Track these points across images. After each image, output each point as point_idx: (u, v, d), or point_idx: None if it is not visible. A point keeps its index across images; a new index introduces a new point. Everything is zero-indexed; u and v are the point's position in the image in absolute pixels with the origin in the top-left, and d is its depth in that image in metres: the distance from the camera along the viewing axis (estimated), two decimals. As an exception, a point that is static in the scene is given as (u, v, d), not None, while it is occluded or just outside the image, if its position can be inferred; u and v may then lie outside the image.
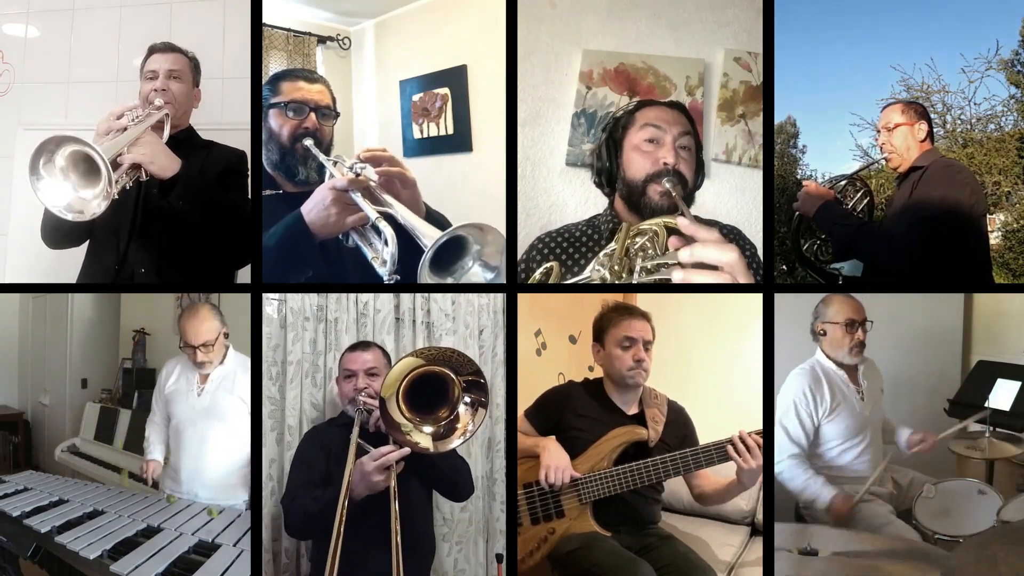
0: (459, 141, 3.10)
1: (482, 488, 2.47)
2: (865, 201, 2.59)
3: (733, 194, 2.72)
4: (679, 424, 2.24)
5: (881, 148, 2.47)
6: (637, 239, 1.74)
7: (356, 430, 1.88)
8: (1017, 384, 2.52)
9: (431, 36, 3.18)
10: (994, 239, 3.19)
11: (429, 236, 1.65)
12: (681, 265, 1.51)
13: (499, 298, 2.51)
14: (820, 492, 2.21)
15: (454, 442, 1.78)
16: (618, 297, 2.34)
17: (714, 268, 1.47)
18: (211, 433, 2.38)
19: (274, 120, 2.07)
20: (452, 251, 1.68)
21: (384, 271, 1.77)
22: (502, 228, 2.01)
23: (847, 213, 2.51)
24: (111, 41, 2.78)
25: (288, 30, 3.25)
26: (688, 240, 1.53)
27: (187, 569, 1.77)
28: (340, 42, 3.48)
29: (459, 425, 1.78)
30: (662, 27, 2.73)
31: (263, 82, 2.14)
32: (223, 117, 2.51)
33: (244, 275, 2.29)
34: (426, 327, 2.48)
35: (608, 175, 1.99)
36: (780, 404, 2.29)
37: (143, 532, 1.99)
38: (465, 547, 2.46)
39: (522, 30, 2.29)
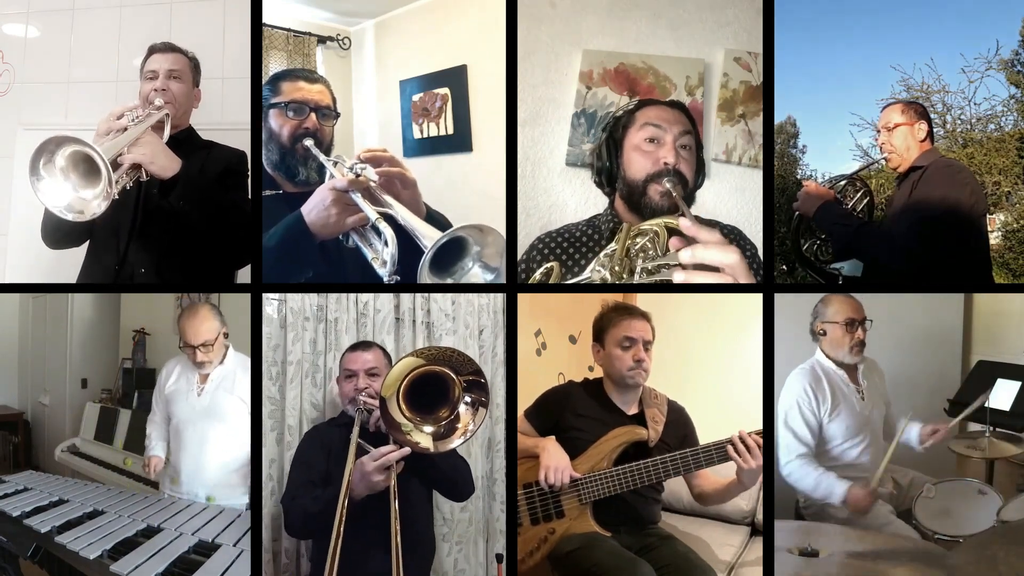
0: (459, 141, 3.10)
1: (482, 488, 2.47)
2: (865, 201, 2.59)
3: (733, 194, 2.72)
4: (679, 424, 2.24)
5: (881, 148, 2.47)
6: (638, 239, 1.74)
7: (356, 430, 1.88)
8: (1017, 384, 2.52)
9: (431, 36, 3.18)
10: (994, 239, 3.19)
11: (429, 237, 1.65)
12: (683, 266, 1.50)
13: (499, 298, 2.51)
14: (833, 487, 2.18)
15: (454, 442, 1.78)
16: (618, 297, 2.34)
17: (716, 270, 1.47)
18: (211, 433, 2.39)
19: (274, 120, 2.07)
20: (452, 252, 1.68)
21: (384, 272, 1.77)
22: (502, 228, 2.01)
23: (847, 213, 2.51)
24: (111, 41, 2.78)
25: (288, 30, 3.25)
26: (689, 241, 1.53)
27: (187, 569, 1.77)
28: (340, 42, 3.48)
29: (459, 425, 1.78)
30: (662, 27, 2.73)
31: (263, 82, 2.14)
32: (223, 117, 2.51)
33: (244, 275, 2.29)
34: (426, 327, 2.48)
35: (608, 175, 1.99)
36: (782, 405, 2.28)
37: (143, 532, 1.99)
38: (465, 547, 2.46)
39: (522, 30, 2.29)
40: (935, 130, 2.56)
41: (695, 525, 2.64)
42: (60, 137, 1.79)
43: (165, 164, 2.03)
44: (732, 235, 2.04)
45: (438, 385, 1.78)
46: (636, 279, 1.70)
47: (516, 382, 2.19)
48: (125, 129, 2.00)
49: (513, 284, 2.06)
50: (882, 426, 2.40)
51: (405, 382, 1.76)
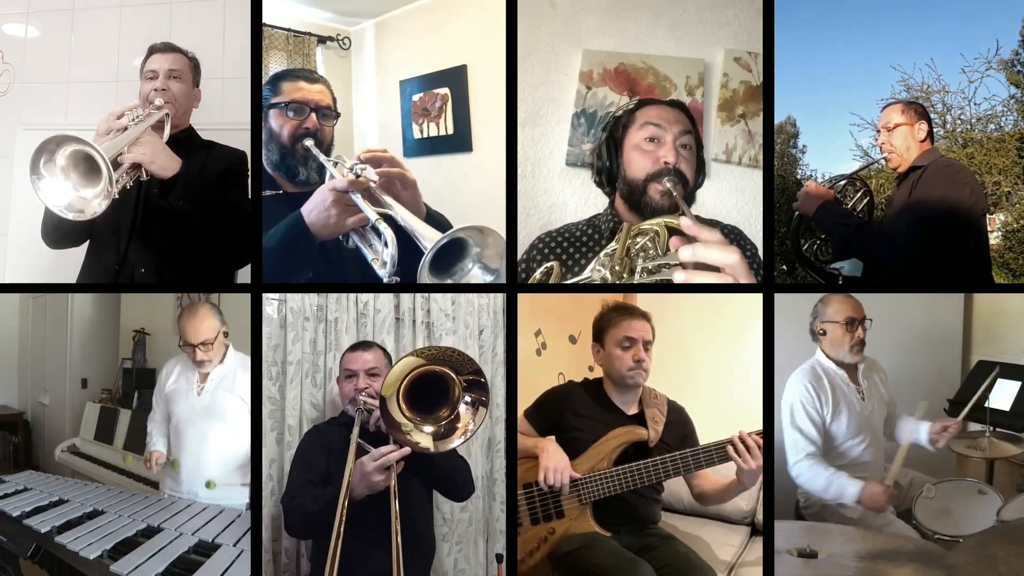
0: (459, 141, 3.10)
1: (482, 488, 2.47)
2: (865, 201, 2.59)
3: (733, 194, 2.72)
4: (679, 424, 2.24)
5: (881, 148, 2.47)
6: (638, 239, 1.74)
7: (356, 430, 1.88)
8: (1017, 384, 2.52)
9: (431, 36, 3.18)
10: (994, 239, 3.19)
11: (429, 238, 1.64)
12: (683, 265, 1.50)
13: (499, 298, 2.51)
14: (845, 487, 2.15)
15: (455, 442, 1.78)
16: (618, 297, 2.34)
17: (716, 269, 1.47)
18: (211, 432, 2.38)
19: (274, 120, 2.06)
20: (452, 253, 1.68)
21: (384, 273, 1.77)
22: (502, 228, 2.01)
23: (847, 213, 2.51)
24: (111, 41, 2.78)
25: (288, 30, 3.25)
26: (690, 240, 1.52)
27: (187, 569, 1.77)
28: (340, 42, 3.48)
29: (460, 424, 1.78)
30: (662, 27, 2.73)
31: (263, 82, 2.14)
32: (223, 117, 2.51)
33: (244, 275, 2.29)
34: (426, 327, 2.48)
35: (608, 174, 1.99)
36: (785, 407, 2.27)
37: (143, 532, 1.99)
38: (465, 547, 2.46)
39: (522, 30, 2.29)
40: (935, 130, 2.56)
41: (695, 525, 2.64)
42: (61, 136, 1.79)
43: (165, 164, 2.03)
44: (732, 235, 2.04)
45: (438, 385, 1.78)
46: (636, 278, 1.70)
47: (516, 382, 2.19)
48: (125, 129, 2.01)
49: (513, 284, 2.06)
50: (882, 425, 2.40)
51: (405, 382, 1.76)
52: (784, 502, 2.32)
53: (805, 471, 2.22)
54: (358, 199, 1.82)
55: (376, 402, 1.87)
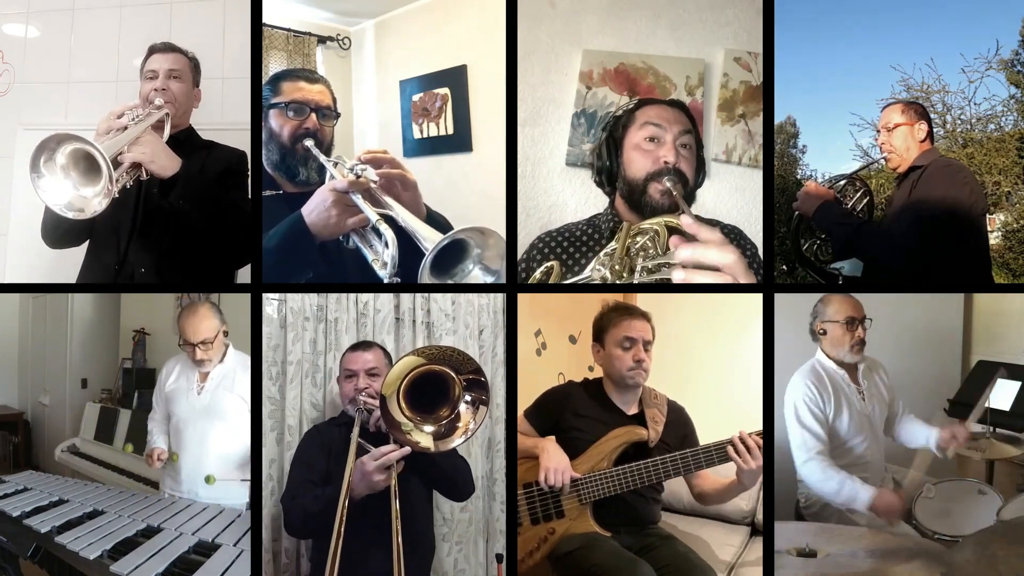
0: (459, 141, 3.11)
1: (482, 488, 2.47)
2: (865, 201, 2.59)
3: (733, 194, 2.72)
4: (679, 424, 2.24)
5: (881, 148, 2.47)
6: (638, 239, 1.74)
7: (356, 429, 1.88)
8: (1017, 384, 2.52)
9: (431, 36, 3.18)
10: (994, 239, 3.19)
11: (430, 239, 1.64)
12: (682, 265, 1.50)
13: (499, 298, 2.51)
14: (857, 492, 2.10)
15: (455, 441, 1.78)
16: (618, 297, 2.34)
17: (715, 269, 1.47)
18: (211, 431, 2.38)
19: (274, 120, 2.06)
20: (453, 254, 1.67)
21: (384, 273, 1.77)
22: (502, 228, 2.01)
23: (847, 213, 2.51)
24: (111, 41, 2.78)
25: (288, 30, 3.25)
26: (690, 239, 1.52)
27: (187, 569, 1.76)
28: (340, 42, 3.48)
29: (460, 424, 1.78)
30: (662, 27, 2.73)
31: (263, 82, 2.14)
32: (223, 117, 2.51)
33: (244, 275, 2.29)
34: (426, 327, 2.48)
35: (608, 174, 1.99)
36: (788, 406, 2.26)
37: (143, 532, 1.99)
38: (465, 547, 2.46)
39: (522, 30, 2.29)
40: (935, 130, 2.56)
41: (695, 525, 2.64)
42: (61, 135, 1.79)
43: (165, 163, 2.03)
44: (732, 235, 2.04)
45: (438, 384, 1.78)
46: (636, 278, 1.70)
47: (516, 382, 2.19)
48: (125, 128, 2.01)
49: (513, 284, 2.06)
50: (882, 425, 2.40)
51: (405, 381, 1.76)
52: (784, 502, 2.32)
53: (816, 472, 2.17)
54: (358, 200, 1.81)
55: (376, 402, 1.87)
